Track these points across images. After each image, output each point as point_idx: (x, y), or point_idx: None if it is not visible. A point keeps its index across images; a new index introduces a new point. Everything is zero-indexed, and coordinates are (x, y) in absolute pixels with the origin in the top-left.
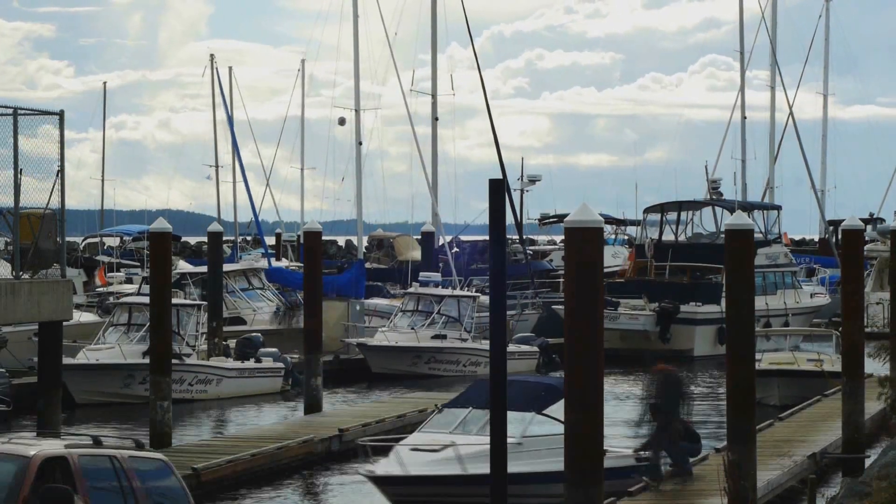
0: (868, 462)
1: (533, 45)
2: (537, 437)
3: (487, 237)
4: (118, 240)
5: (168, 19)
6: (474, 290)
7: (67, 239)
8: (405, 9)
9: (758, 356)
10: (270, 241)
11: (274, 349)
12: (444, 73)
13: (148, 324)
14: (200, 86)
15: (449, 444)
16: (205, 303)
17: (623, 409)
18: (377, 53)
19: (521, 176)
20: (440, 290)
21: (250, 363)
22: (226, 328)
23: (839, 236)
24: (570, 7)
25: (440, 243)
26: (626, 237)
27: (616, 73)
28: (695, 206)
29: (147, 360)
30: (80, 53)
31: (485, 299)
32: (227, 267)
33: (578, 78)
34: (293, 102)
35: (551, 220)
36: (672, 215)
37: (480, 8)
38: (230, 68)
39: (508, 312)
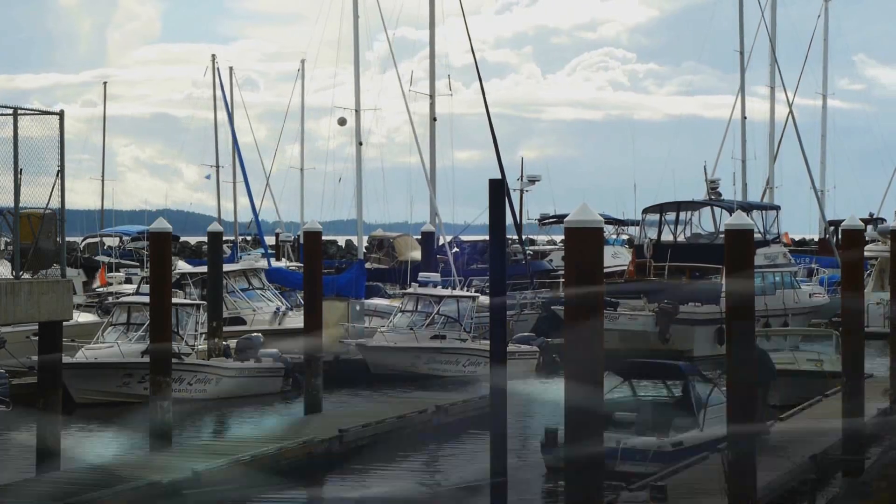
0: (868, 463)
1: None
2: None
3: (487, 237)
4: (117, 240)
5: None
6: (474, 290)
7: (67, 239)
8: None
9: None
10: (270, 241)
11: (274, 349)
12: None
13: (147, 323)
14: (130, 85)
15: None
16: (204, 302)
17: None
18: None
19: (521, 176)
20: (439, 291)
21: (250, 363)
22: (226, 328)
23: (839, 236)
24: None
25: (440, 243)
26: (626, 237)
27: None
28: (694, 206)
29: (146, 360)
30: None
31: (485, 299)
32: (226, 267)
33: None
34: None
35: (551, 220)
36: (671, 215)
37: (391, 6)
38: (231, 68)
39: (508, 312)
